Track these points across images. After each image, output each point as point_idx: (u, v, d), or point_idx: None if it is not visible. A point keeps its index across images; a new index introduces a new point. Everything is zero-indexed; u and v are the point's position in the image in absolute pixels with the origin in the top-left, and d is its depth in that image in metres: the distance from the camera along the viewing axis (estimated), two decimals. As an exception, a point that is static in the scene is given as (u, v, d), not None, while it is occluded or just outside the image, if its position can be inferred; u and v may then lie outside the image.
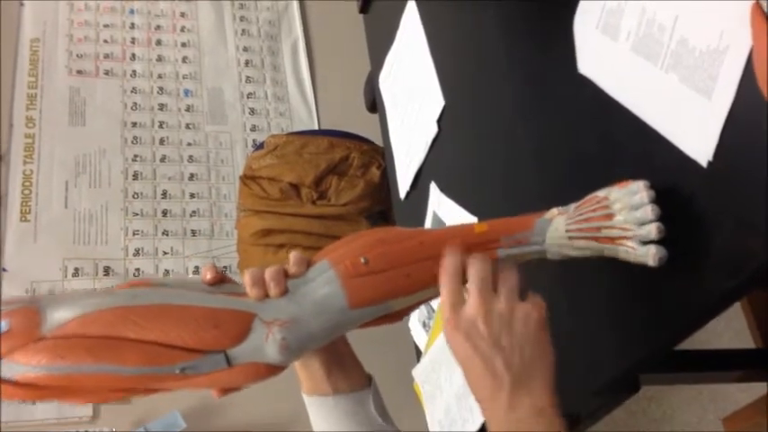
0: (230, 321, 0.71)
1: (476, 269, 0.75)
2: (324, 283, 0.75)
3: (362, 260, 0.75)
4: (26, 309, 0.69)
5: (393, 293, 0.77)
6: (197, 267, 2.42)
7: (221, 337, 0.70)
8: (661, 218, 0.77)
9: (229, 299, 0.73)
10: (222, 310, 0.71)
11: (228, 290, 0.75)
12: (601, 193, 0.83)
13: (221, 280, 0.76)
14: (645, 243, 0.78)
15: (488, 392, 0.72)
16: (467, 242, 0.79)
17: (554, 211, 0.85)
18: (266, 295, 0.74)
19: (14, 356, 0.68)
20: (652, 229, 0.77)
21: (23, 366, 0.68)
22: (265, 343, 0.71)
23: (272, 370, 0.73)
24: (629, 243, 0.79)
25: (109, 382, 0.69)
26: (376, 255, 0.76)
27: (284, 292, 0.74)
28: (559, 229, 0.83)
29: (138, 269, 2.38)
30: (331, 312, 0.75)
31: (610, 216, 0.81)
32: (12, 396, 0.69)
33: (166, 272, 2.39)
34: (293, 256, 0.76)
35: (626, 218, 0.79)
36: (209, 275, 0.75)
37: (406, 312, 0.81)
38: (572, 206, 0.85)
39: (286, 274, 0.75)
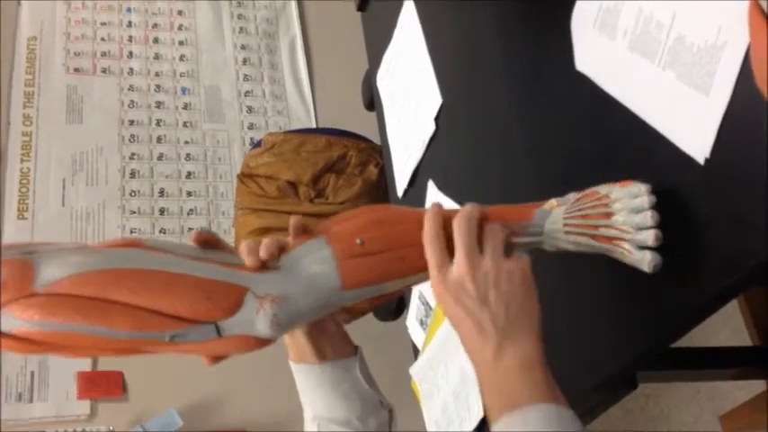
0: (223, 293, 0.71)
1: (461, 230, 0.76)
2: (318, 261, 0.75)
3: (358, 241, 0.75)
4: (21, 262, 0.69)
5: (387, 276, 0.77)
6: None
7: (213, 308, 0.70)
8: (660, 224, 0.77)
9: (223, 269, 0.73)
10: (216, 282, 0.71)
11: (222, 258, 0.75)
12: (602, 190, 0.82)
13: (214, 243, 0.76)
14: (641, 248, 0.78)
15: (478, 347, 0.73)
16: None
17: (552, 201, 0.85)
18: (261, 264, 0.74)
19: (10, 309, 0.68)
20: (650, 236, 0.77)
21: (18, 320, 0.68)
22: (256, 317, 0.71)
23: (262, 343, 0.73)
24: (626, 245, 0.79)
25: (100, 343, 0.69)
26: (372, 236, 0.76)
27: (276, 261, 0.75)
28: (557, 221, 0.83)
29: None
30: (323, 291, 0.75)
31: (609, 215, 0.81)
32: (11, 348, 0.69)
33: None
34: (272, 240, 0.76)
35: (625, 219, 0.79)
36: (197, 236, 0.76)
37: (400, 291, 0.81)
38: (571, 197, 0.85)
39: (281, 249, 0.76)
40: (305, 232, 0.78)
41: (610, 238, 0.81)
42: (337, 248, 0.75)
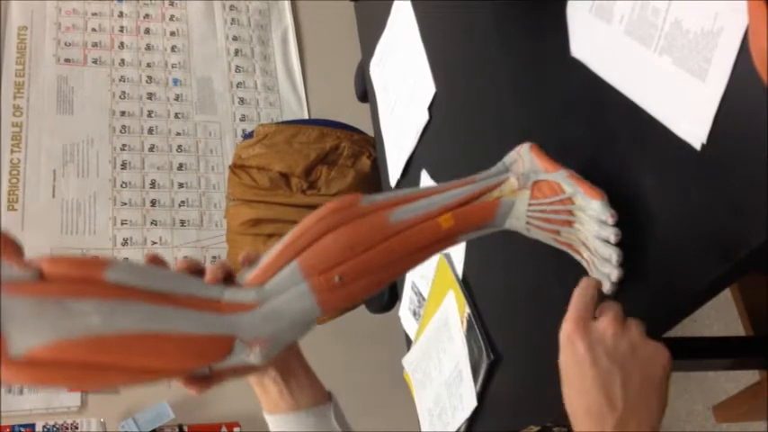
0: (212, 347, 0.71)
1: (609, 305, 0.75)
2: (298, 297, 0.75)
3: (337, 278, 0.75)
4: None
5: (365, 297, 0.79)
6: (186, 257, 2.40)
7: (205, 362, 0.71)
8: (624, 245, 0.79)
9: (208, 316, 0.71)
10: (203, 337, 0.70)
11: (199, 291, 0.73)
12: (567, 188, 0.82)
13: (194, 273, 0.75)
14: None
15: (595, 410, 0.70)
16: (434, 238, 0.80)
17: (512, 181, 0.85)
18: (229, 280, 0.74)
19: None
20: (613, 272, 0.80)
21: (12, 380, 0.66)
22: (248, 358, 0.72)
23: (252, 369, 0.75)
24: (585, 256, 0.82)
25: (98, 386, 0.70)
26: (348, 268, 0.76)
27: (244, 272, 0.75)
28: (520, 217, 0.84)
29: (126, 259, 2.36)
30: (306, 323, 0.76)
31: (571, 223, 0.82)
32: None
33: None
34: (221, 264, 0.75)
35: (588, 238, 0.81)
36: (179, 266, 0.74)
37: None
38: (530, 177, 0.85)
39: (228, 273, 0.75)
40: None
41: (570, 245, 0.82)
42: (314, 283, 0.75)
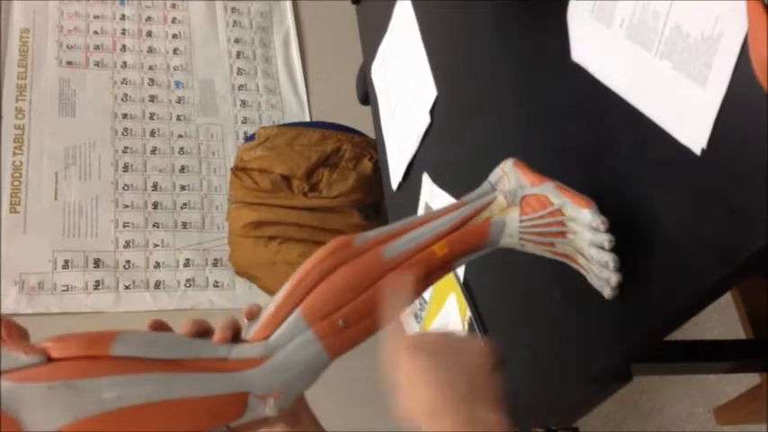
0: (227, 406, 0.72)
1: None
2: (304, 345, 0.75)
3: (341, 322, 0.76)
4: (5, 420, 0.66)
5: (370, 335, 0.79)
6: (187, 260, 2.41)
7: (222, 421, 0.72)
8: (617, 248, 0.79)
9: (219, 377, 0.72)
10: (217, 398, 0.71)
11: (208, 352, 0.74)
12: (555, 201, 0.82)
13: (200, 333, 0.76)
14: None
15: (438, 406, 0.73)
16: (432, 267, 0.81)
17: (501, 200, 0.85)
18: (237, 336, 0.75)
19: None
20: (612, 277, 0.80)
21: None
22: (263, 412, 0.73)
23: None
24: (581, 262, 0.82)
25: None
26: (350, 311, 0.77)
27: (248, 328, 0.76)
28: (513, 235, 0.84)
29: (128, 261, 2.37)
30: (315, 369, 0.76)
31: (564, 234, 0.82)
32: None
33: (157, 264, 2.38)
34: (230, 323, 0.76)
35: (583, 246, 0.81)
36: (186, 329, 0.75)
37: None
38: (517, 193, 0.85)
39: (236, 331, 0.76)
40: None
41: (567, 255, 0.83)
42: (319, 329, 0.76)
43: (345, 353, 0.78)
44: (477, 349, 0.77)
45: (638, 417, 2.11)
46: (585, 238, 0.81)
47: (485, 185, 0.89)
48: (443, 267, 0.82)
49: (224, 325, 0.75)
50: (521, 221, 0.83)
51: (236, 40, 2.84)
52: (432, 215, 0.84)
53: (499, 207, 0.85)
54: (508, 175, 0.87)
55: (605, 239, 0.79)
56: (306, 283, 0.77)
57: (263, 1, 2.95)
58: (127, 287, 2.33)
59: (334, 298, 0.77)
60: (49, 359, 0.67)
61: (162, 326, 0.75)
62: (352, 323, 0.77)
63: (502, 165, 0.89)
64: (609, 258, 0.80)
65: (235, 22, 2.87)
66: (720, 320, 1.83)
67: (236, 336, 0.75)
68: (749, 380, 1.63)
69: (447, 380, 0.74)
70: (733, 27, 0.69)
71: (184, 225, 2.46)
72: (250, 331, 0.76)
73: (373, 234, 0.81)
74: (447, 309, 1.25)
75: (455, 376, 0.74)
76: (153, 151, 2.56)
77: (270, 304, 0.77)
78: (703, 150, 0.74)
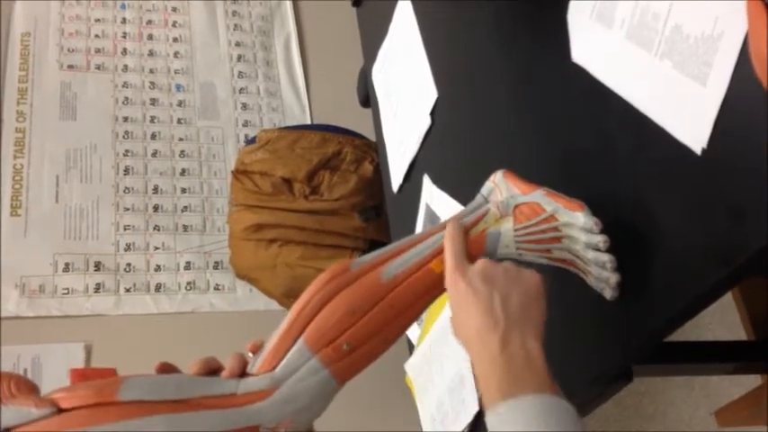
0: None
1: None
2: (311, 373, 0.76)
3: (345, 346, 0.77)
4: None
5: (378, 356, 0.80)
6: (188, 263, 2.41)
7: None
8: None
9: (230, 413, 0.73)
10: None
11: (218, 388, 0.74)
12: (548, 207, 0.83)
13: (210, 371, 0.76)
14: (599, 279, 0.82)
15: (483, 330, 0.75)
16: (431, 284, 0.82)
17: (494, 212, 0.85)
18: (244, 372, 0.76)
19: None
20: (611, 278, 0.81)
21: None
22: None
23: None
24: (580, 265, 0.82)
25: None
26: (353, 334, 0.77)
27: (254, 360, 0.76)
28: (509, 245, 0.85)
29: (129, 264, 2.36)
30: (324, 395, 0.77)
31: (559, 239, 0.82)
32: None
33: (157, 267, 2.38)
34: (238, 359, 0.77)
35: (579, 249, 0.82)
36: (195, 369, 0.75)
37: None
38: (509, 203, 0.85)
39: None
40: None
41: (564, 260, 0.83)
42: (324, 356, 0.76)
43: (354, 376, 0.78)
44: (533, 280, 0.78)
45: (640, 420, 2.11)
46: (581, 241, 0.81)
47: (477, 198, 0.89)
48: (443, 283, 0.82)
49: (233, 361, 0.76)
50: (515, 231, 0.84)
51: (237, 44, 2.84)
52: (427, 233, 0.85)
53: (493, 218, 0.86)
54: (499, 186, 0.88)
55: (600, 240, 0.80)
56: (307, 312, 0.78)
57: (264, 3, 2.95)
58: (127, 290, 2.33)
59: (336, 323, 0.78)
60: (60, 410, 0.68)
61: (169, 368, 0.76)
62: (357, 346, 0.77)
63: (492, 177, 0.90)
64: (606, 259, 0.80)
65: (236, 25, 2.87)
66: (722, 321, 1.83)
67: (242, 370, 0.76)
68: (752, 381, 1.63)
69: (501, 302, 0.75)
70: (733, 27, 0.69)
71: (185, 228, 2.46)
72: (255, 364, 0.77)
73: (370, 257, 0.82)
74: (448, 311, 1.25)
75: (509, 300, 0.75)
76: (154, 154, 2.56)
77: (272, 336, 0.78)
78: (704, 150, 0.74)
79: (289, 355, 0.76)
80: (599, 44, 0.89)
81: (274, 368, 0.76)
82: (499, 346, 0.73)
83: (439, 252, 0.82)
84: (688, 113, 0.76)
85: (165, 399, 0.71)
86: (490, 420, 0.71)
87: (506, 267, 0.78)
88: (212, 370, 0.76)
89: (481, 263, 0.79)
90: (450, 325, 0.81)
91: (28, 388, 0.70)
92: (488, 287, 0.76)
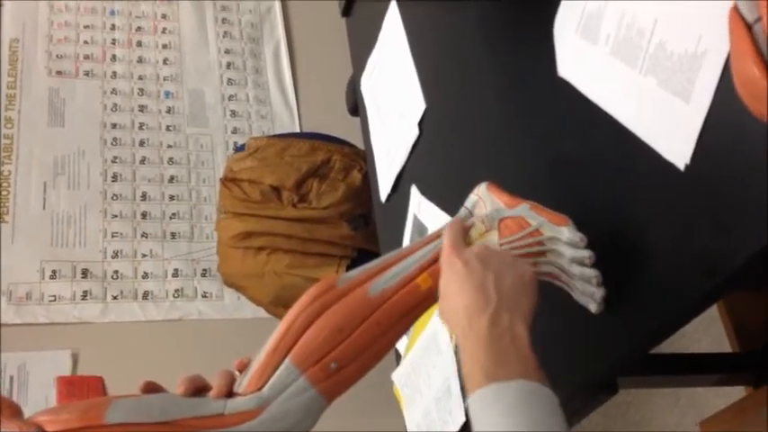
0: None
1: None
2: (299, 393, 0.76)
3: (333, 365, 0.77)
4: None
5: (365, 373, 0.80)
6: (176, 270, 2.40)
7: None
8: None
9: None
10: None
11: (206, 409, 0.74)
12: (532, 222, 0.83)
13: (196, 390, 0.76)
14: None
15: (472, 306, 0.75)
16: (417, 300, 0.82)
17: (479, 226, 0.86)
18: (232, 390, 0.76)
19: None
20: (596, 293, 0.81)
21: None
22: None
23: None
24: (564, 279, 0.83)
25: None
26: (341, 353, 0.77)
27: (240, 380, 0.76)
28: None
29: (116, 271, 2.36)
30: (314, 414, 0.77)
31: (544, 253, 0.83)
32: None
33: (145, 274, 2.37)
34: (225, 377, 0.77)
35: (564, 264, 0.82)
36: (181, 388, 0.75)
37: None
38: (494, 217, 0.86)
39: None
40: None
41: (549, 274, 0.84)
42: (311, 375, 0.76)
43: (343, 393, 0.78)
44: (527, 270, 0.79)
45: (626, 428, 2.11)
46: (566, 256, 0.81)
47: (462, 211, 0.90)
48: (429, 298, 0.82)
49: (220, 380, 0.76)
50: (501, 245, 0.84)
51: (227, 51, 2.84)
52: (412, 248, 0.85)
53: (478, 232, 0.86)
54: (483, 199, 0.88)
55: (586, 256, 0.80)
56: (294, 330, 0.78)
57: (253, 11, 2.95)
58: (115, 297, 2.32)
59: (323, 342, 0.77)
60: None
61: (154, 387, 0.75)
62: (344, 364, 0.77)
63: (476, 189, 0.90)
64: (591, 274, 0.80)
65: (225, 32, 2.87)
66: (707, 333, 1.84)
67: (230, 387, 0.76)
68: (738, 393, 1.64)
69: (494, 282, 0.76)
70: (716, 45, 0.70)
71: (173, 235, 2.46)
72: (242, 383, 0.76)
73: (356, 273, 0.82)
74: (435, 321, 1.25)
75: (502, 281, 0.76)
76: (142, 161, 2.56)
77: (259, 354, 0.78)
78: (687, 165, 0.75)
79: (276, 374, 0.76)
80: (584, 60, 0.90)
81: (261, 387, 0.75)
82: (487, 324, 0.73)
83: (425, 267, 0.82)
84: (672, 129, 0.76)
85: (153, 421, 0.71)
86: (473, 404, 0.71)
87: (502, 253, 0.80)
88: (199, 388, 0.76)
89: (478, 246, 0.81)
90: (437, 314, 0.82)
91: (11, 411, 0.69)
92: (483, 267, 0.77)
